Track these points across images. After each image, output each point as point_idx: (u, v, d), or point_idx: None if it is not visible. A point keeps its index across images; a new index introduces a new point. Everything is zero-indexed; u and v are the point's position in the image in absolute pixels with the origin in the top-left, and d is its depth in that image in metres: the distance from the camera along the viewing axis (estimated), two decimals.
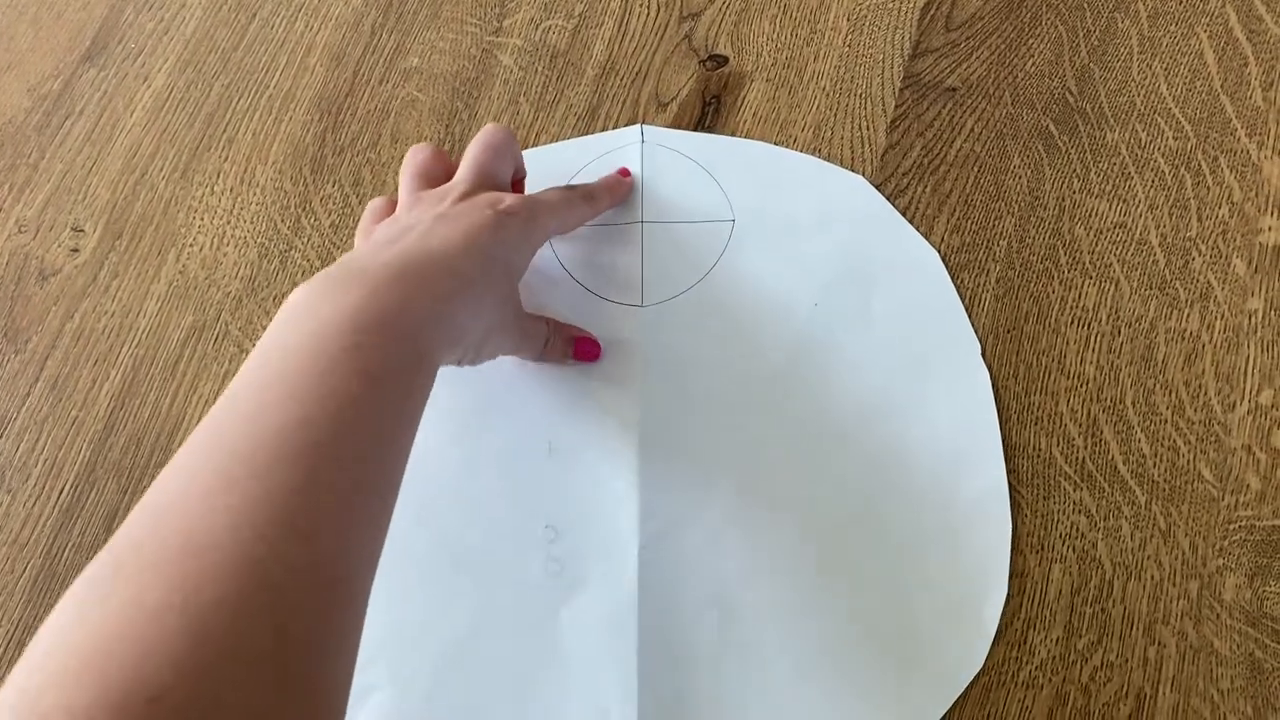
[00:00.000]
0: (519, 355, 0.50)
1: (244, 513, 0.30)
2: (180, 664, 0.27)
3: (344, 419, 0.34)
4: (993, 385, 0.50)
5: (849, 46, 0.59)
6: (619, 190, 0.55)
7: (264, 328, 0.54)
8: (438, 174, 0.49)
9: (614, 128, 0.58)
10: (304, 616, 0.30)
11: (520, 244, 0.46)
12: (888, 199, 0.54)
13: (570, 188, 0.52)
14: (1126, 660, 0.46)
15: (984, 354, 0.51)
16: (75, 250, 0.58)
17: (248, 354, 0.54)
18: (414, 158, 0.50)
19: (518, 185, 0.53)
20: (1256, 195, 0.53)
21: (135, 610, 0.28)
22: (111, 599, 0.29)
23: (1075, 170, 0.54)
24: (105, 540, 0.51)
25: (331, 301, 0.37)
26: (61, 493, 0.53)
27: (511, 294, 0.46)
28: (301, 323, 0.37)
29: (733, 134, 0.57)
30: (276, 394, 0.34)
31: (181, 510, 0.31)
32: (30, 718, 0.26)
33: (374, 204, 0.50)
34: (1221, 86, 0.55)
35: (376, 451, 0.36)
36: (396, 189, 0.50)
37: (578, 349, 0.51)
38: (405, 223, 0.44)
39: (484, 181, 0.48)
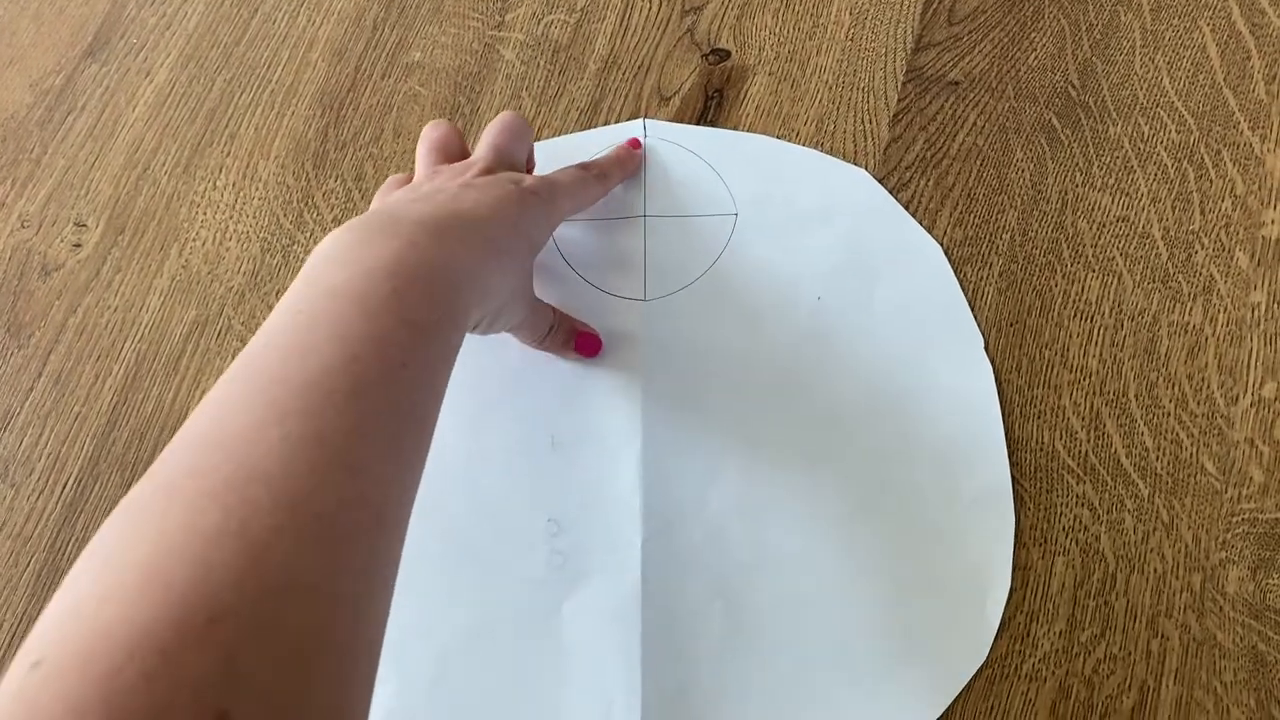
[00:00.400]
0: (521, 336, 0.50)
1: (297, 446, 0.30)
2: (241, 586, 0.27)
3: (390, 362, 0.34)
4: (995, 379, 0.50)
5: (851, 40, 0.59)
6: (630, 163, 0.55)
7: None
8: (454, 151, 0.50)
9: (616, 122, 0.58)
10: (354, 548, 0.31)
11: (541, 221, 0.47)
12: (890, 192, 0.54)
13: (584, 165, 0.52)
14: (1129, 653, 0.46)
15: (987, 348, 0.51)
16: (78, 245, 0.58)
17: None
18: (432, 132, 0.50)
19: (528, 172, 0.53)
20: (1259, 188, 0.53)
21: (193, 532, 0.28)
22: (168, 518, 0.28)
23: (1078, 164, 0.54)
24: None
25: (374, 248, 0.37)
26: (65, 487, 0.53)
27: (529, 269, 0.47)
28: (347, 265, 0.37)
29: (735, 128, 0.57)
30: (325, 333, 0.34)
31: (233, 439, 0.31)
32: (92, 629, 0.25)
33: (393, 177, 0.51)
34: (1224, 80, 0.55)
35: (419, 397, 0.36)
36: (411, 171, 0.50)
37: (579, 343, 0.51)
38: (430, 187, 0.44)
39: (502, 161, 0.48)
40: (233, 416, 0.32)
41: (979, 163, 0.55)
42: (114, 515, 0.29)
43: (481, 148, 0.49)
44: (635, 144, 0.56)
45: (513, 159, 0.49)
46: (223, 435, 0.31)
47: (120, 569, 0.27)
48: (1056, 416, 0.49)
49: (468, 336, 0.42)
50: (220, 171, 0.59)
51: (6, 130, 0.62)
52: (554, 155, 0.57)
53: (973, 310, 0.52)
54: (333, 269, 0.37)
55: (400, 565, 0.34)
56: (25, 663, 0.25)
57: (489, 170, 0.46)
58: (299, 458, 0.30)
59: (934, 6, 0.59)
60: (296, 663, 0.27)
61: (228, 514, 0.28)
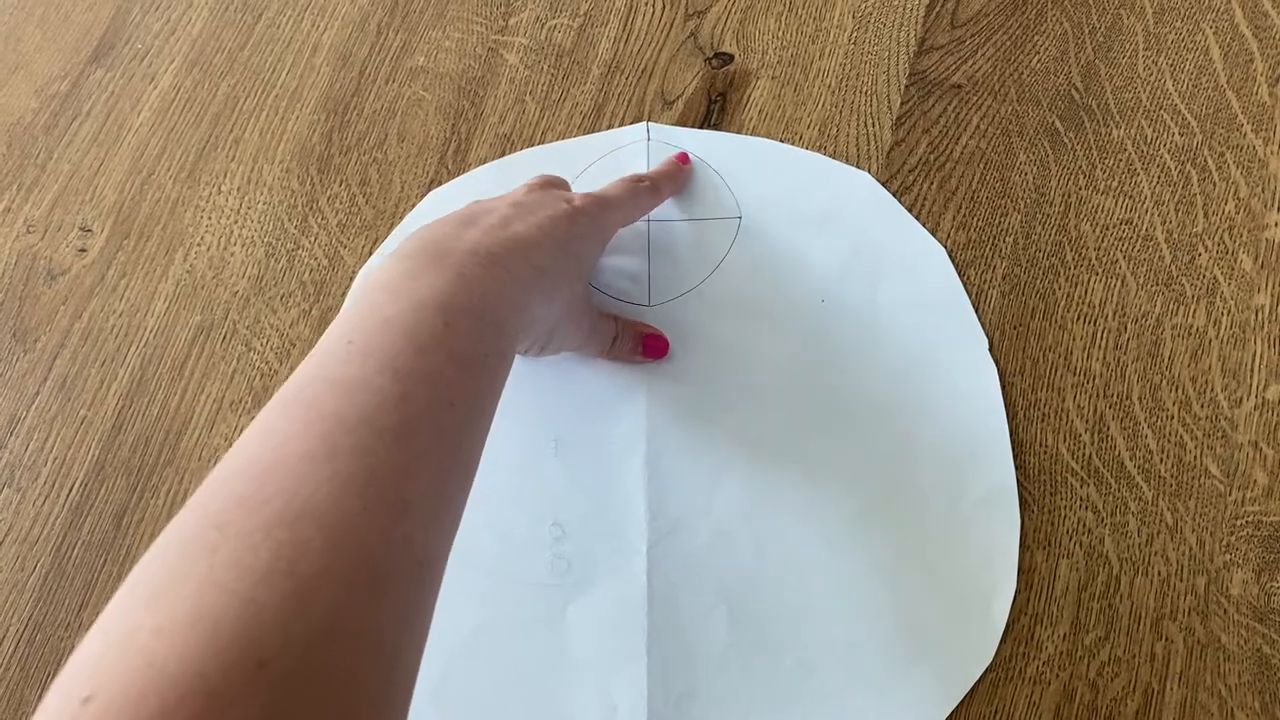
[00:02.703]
0: (584, 351, 0.50)
1: (348, 484, 0.30)
2: (288, 629, 0.27)
3: (439, 401, 0.35)
4: (999, 382, 0.50)
5: (854, 44, 0.59)
6: (679, 177, 0.55)
7: (271, 327, 0.55)
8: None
9: (620, 126, 0.58)
10: (396, 592, 0.31)
11: (591, 238, 0.47)
12: (894, 196, 0.54)
13: (636, 178, 0.53)
14: (1134, 656, 0.46)
15: (990, 350, 0.51)
16: (83, 250, 0.58)
17: (255, 353, 0.54)
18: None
19: None
20: (1263, 191, 0.53)
21: (243, 570, 0.28)
22: (220, 552, 0.28)
23: (1081, 167, 0.54)
24: (115, 538, 0.51)
25: (426, 279, 0.38)
26: (71, 491, 0.53)
27: (583, 289, 0.47)
28: (399, 296, 0.37)
29: (738, 132, 0.57)
30: (376, 365, 0.34)
31: (284, 471, 0.30)
32: (144, 667, 0.25)
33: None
34: (1227, 83, 0.55)
35: (465, 434, 0.36)
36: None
37: (646, 346, 0.52)
38: (479, 208, 0.45)
39: (550, 183, 0.49)
40: (284, 446, 0.32)
41: (982, 166, 0.55)
42: (161, 545, 0.29)
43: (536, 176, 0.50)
44: (684, 158, 0.56)
45: (559, 184, 0.50)
46: (273, 465, 0.31)
47: (171, 603, 0.27)
48: (1060, 419, 0.50)
49: None
50: (225, 176, 0.60)
51: (12, 136, 0.62)
52: (556, 160, 0.57)
53: (977, 313, 0.52)
54: (385, 298, 0.37)
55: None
56: (76, 696, 0.25)
57: (538, 187, 0.47)
58: (349, 495, 0.30)
59: (937, 10, 0.59)
60: (336, 709, 0.27)
61: (278, 552, 0.28)
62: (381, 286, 0.38)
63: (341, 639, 0.28)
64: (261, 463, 0.31)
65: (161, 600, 0.27)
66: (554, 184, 0.50)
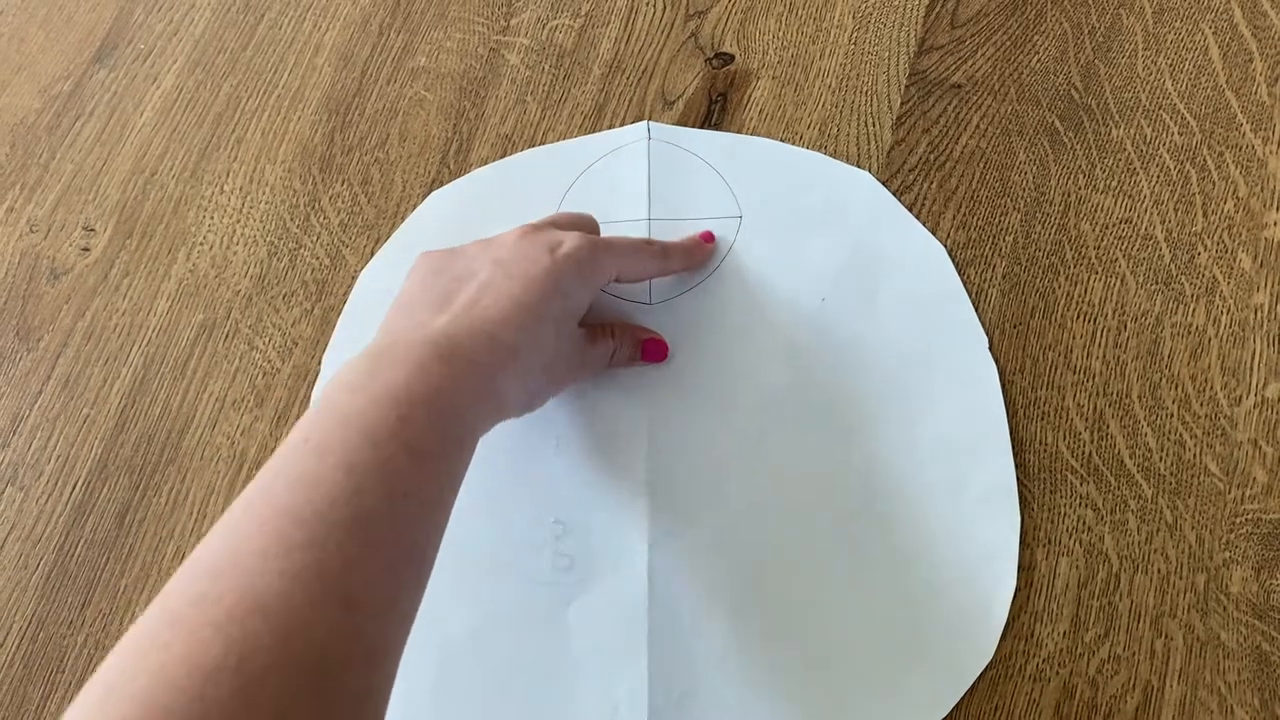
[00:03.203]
0: (587, 376, 0.51)
1: (298, 579, 0.32)
2: None
3: (394, 492, 0.36)
4: (999, 380, 0.50)
5: (854, 44, 0.59)
6: (697, 254, 0.54)
7: (274, 326, 0.55)
8: (586, 228, 0.51)
9: (620, 126, 0.58)
10: (344, 683, 0.32)
11: (575, 287, 0.46)
12: (894, 195, 0.55)
13: (647, 241, 0.52)
14: (1134, 653, 0.46)
15: (990, 349, 0.51)
16: (86, 249, 0.59)
17: (258, 351, 0.54)
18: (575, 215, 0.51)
19: None
20: (1262, 190, 0.53)
21: (192, 666, 0.29)
22: (171, 649, 0.30)
23: (1081, 166, 0.54)
24: (118, 537, 0.52)
25: (384, 375, 0.38)
26: (74, 489, 0.53)
27: (563, 345, 0.46)
28: (357, 392, 0.38)
29: (739, 132, 0.57)
30: (333, 461, 0.35)
31: (239, 569, 0.32)
32: None
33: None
34: (1227, 82, 0.55)
35: (420, 523, 0.37)
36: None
37: (645, 351, 0.52)
38: (460, 269, 0.45)
39: (542, 226, 0.49)
40: (240, 545, 0.33)
41: (982, 165, 0.55)
42: (123, 642, 0.31)
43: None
44: (709, 237, 0.54)
45: (561, 224, 0.50)
46: (230, 563, 0.32)
47: (121, 700, 0.29)
48: (1060, 417, 0.50)
49: None
50: (227, 176, 0.60)
51: (16, 135, 0.62)
52: (557, 159, 0.58)
53: (976, 311, 0.52)
54: (344, 396, 0.38)
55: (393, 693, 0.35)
56: None
57: (530, 231, 0.47)
58: (299, 590, 0.31)
59: (937, 10, 0.59)
60: None
61: (227, 648, 0.29)
62: (342, 384, 0.39)
63: None
64: (219, 560, 0.33)
65: (113, 696, 0.29)
66: (555, 224, 0.49)
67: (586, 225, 0.51)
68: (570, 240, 0.46)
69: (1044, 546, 0.48)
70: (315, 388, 0.54)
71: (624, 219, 0.55)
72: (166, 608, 0.31)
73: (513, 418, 0.45)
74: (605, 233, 0.55)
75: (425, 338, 0.41)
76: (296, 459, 0.36)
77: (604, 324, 0.51)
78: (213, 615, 0.30)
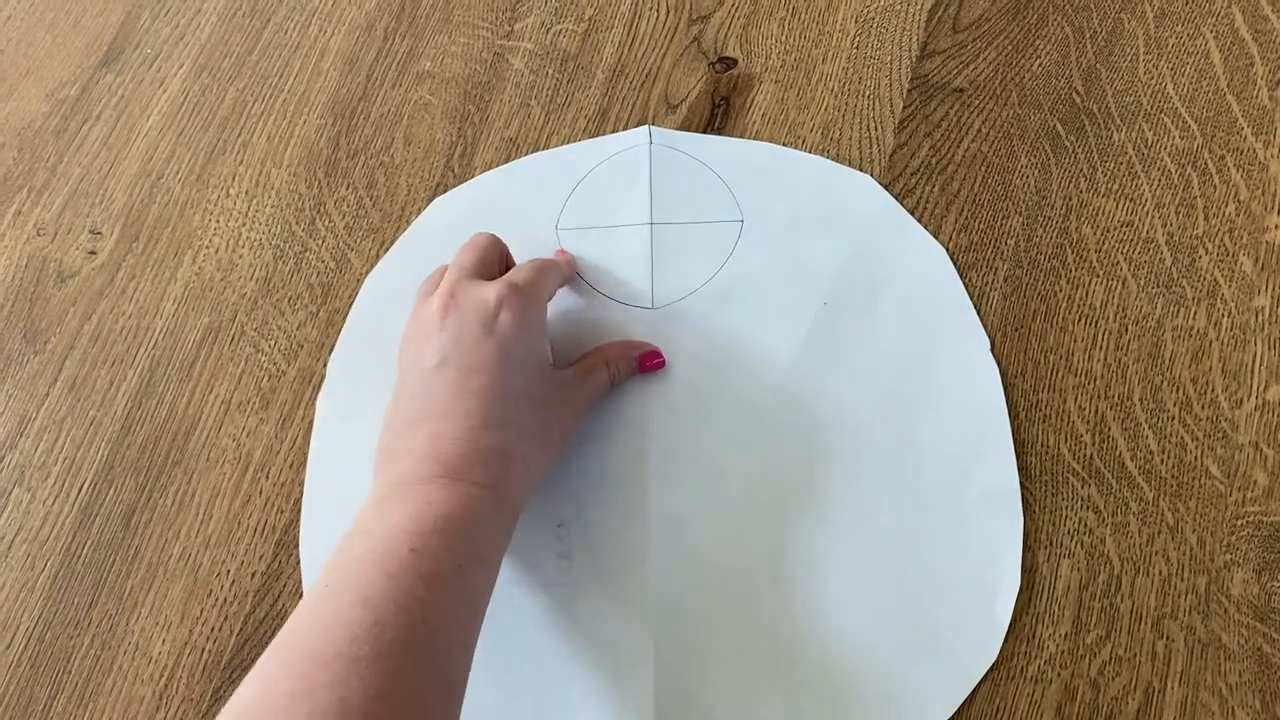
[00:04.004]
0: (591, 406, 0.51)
1: (325, 718, 0.33)
2: None
3: (412, 619, 0.37)
4: (1001, 383, 0.50)
5: (857, 48, 0.59)
6: (569, 258, 0.55)
7: (279, 328, 0.55)
8: (492, 269, 0.50)
9: (624, 130, 0.59)
10: None
11: (526, 345, 0.46)
12: (896, 198, 0.55)
13: (536, 260, 0.52)
14: (1135, 655, 0.46)
15: (992, 352, 0.51)
16: (93, 252, 0.59)
17: (264, 354, 0.55)
18: (470, 255, 0.50)
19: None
20: (1263, 193, 0.53)
21: None
22: None
23: (1082, 170, 0.55)
24: (124, 538, 0.52)
25: (394, 515, 0.40)
26: (80, 491, 0.54)
27: (542, 411, 0.47)
28: (370, 534, 0.40)
29: (742, 136, 0.58)
30: (350, 599, 0.37)
31: (268, 713, 0.34)
32: None
33: (426, 281, 0.51)
34: (1228, 86, 0.55)
35: (443, 646, 0.38)
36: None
37: (643, 365, 0.52)
38: (430, 389, 0.45)
39: (474, 274, 0.48)
40: (270, 689, 0.35)
41: (984, 169, 0.55)
42: None
43: (451, 271, 0.48)
44: (562, 253, 0.55)
45: (485, 270, 0.49)
46: (260, 710, 0.34)
47: None
48: (1061, 420, 0.50)
49: None
50: (233, 179, 0.60)
51: (23, 139, 0.63)
52: (560, 164, 0.58)
53: (978, 314, 0.52)
54: (357, 540, 0.40)
55: None
56: None
57: (450, 299, 0.46)
58: None
59: (939, 15, 0.59)
60: None
61: None
62: (356, 531, 0.41)
63: None
64: (251, 708, 0.34)
65: None
66: (463, 271, 0.48)
67: (488, 254, 0.50)
68: (492, 296, 0.46)
69: (1045, 548, 0.48)
70: (320, 393, 0.54)
71: (626, 223, 0.56)
72: None
73: (561, 455, 0.48)
74: (609, 239, 0.55)
75: (425, 475, 0.42)
76: (317, 602, 0.37)
77: (595, 351, 0.51)
78: None
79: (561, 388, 0.48)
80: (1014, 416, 0.50)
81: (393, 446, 0.45)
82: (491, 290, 0.46)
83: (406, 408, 0.46)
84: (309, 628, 0.37)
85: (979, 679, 0.46)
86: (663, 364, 0.52)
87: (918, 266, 0.53)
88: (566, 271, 0.54)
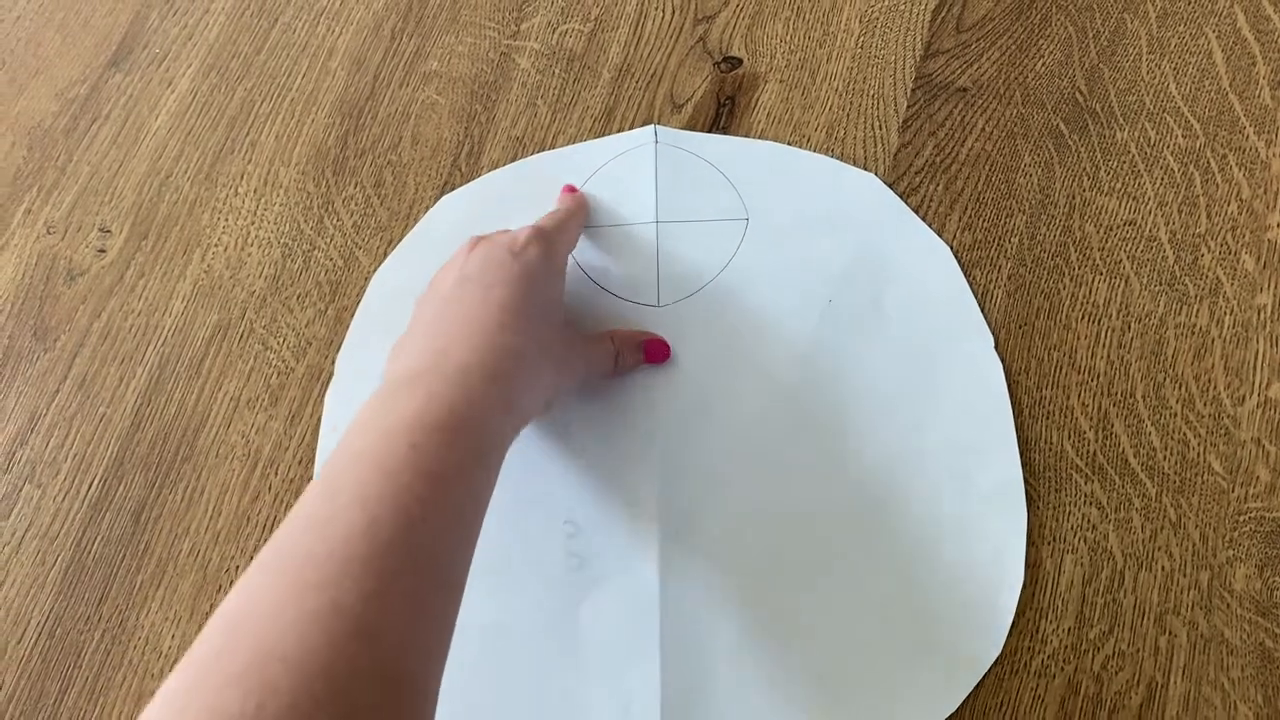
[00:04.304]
0: (591, 379, 0.51)
1: (315, 620, 0.31)
2: None
3: (411, 519, 0.35)
4: (1005, 380, 0.51)
5: (861, 48, 0.59)
6: (582, 198, 0.56)
7: (288, 326, 0.56)
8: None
9: (630, 129, 0.59)
10: (370, 716, 0.31)
11: (550, 277, 0.47)
12: (900, 197, 0.55)
13: (556, 211, 0.54)
14: (1138, 649, 0.46)
15: (996, 349, 0.51)
16: (102, 251, 0.59)
17: (272, 351, 0.55)
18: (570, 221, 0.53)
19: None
20: (1265, 192, 0.53)
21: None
22: (190, 711, 0.29)
23: (1085, 169, 0.55)
24: (134, 534, 0.52)
25: (396, 410, 0.39)
26: (90, 487, 0.54)
27: (557, 337, 0.47)
28: (369, 431, 0.38)
29: (747, 135, 0.58)
30: (346, 499, 0.35)
31: (255, 619, 0.32)
32: None
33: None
34: (1230, 85, 0.56)
35: (442, 545, 0.36)
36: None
37: (648, 352, 0.52)
38: (444, 298, 0.45)
39: (482, 237, 0.49)
40: (259, 594, 0.33)
41: (988, 168, 0.56)
42: (153, 702, 0.31)
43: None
44: (570, 188, 0.57)
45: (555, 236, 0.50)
46: (247, 615, 0.32)
47: None
48: (1065, 417, 0.50)
49: None
50: (241, 178, 0.61)
51: (33, 138, 0.63)
52: (566, 163, 0.58)
53: (982, 312, 0.52)
54: (355, 436, 0.38)
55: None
56: None
57: (479, 241, 0.47)
58: (315, 631, 0.31)
59: (942, 14, 0.60)
60: None
61: (245, 698, 0.29)
62: (355, 426, 0.39)
63: None
64: (239, 613, 0.33)
65: None
66: (486, 237, 0.50)
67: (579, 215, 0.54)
68: (522, 234, 0.48)
69: (1049, 544, 0.48)
70: (328, 390, 0.54)
71: (631, 222, 0.56)
72: (190, 665, 0.31)
73: (548, 407, 0.46)
74: (615, 238, 0.56)
75: (431, 366, 0.41)
76: (310, 504, 0.36)
77: (602, 332, 0.52)
78: (229, 668, 0.30)
79: (566, 343, 0.48)
80: (1018, 413, 0.50)
81: (402, 346, 0.44)
82: (521, 231, 0.48)
83: (421, 320, 0.45)
84: (302, 529, 0.35)
85: (982, 674, 0.46)
86: (668, 355, 0.53)
87: (922, 265, 0.54)
88: (582, 216, 0.55)
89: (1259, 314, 0.51)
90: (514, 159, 0.59)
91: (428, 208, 0.58)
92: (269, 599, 0.32)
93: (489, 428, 0.40)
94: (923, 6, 0.60)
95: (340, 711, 0.30)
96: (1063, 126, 0.56)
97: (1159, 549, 0.47)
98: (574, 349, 0.49)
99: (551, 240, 0.49)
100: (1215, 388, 0.50)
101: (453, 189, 0.58)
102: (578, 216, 0.54)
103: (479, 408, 0.40)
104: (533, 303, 0.45)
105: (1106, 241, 0.53)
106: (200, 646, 0.32)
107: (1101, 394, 0.50)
